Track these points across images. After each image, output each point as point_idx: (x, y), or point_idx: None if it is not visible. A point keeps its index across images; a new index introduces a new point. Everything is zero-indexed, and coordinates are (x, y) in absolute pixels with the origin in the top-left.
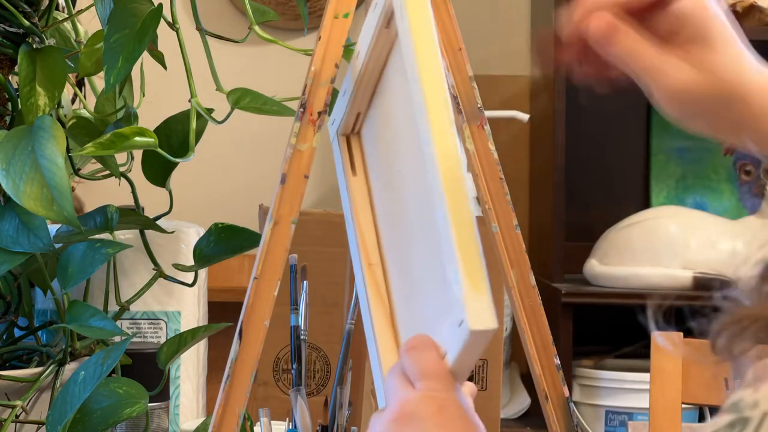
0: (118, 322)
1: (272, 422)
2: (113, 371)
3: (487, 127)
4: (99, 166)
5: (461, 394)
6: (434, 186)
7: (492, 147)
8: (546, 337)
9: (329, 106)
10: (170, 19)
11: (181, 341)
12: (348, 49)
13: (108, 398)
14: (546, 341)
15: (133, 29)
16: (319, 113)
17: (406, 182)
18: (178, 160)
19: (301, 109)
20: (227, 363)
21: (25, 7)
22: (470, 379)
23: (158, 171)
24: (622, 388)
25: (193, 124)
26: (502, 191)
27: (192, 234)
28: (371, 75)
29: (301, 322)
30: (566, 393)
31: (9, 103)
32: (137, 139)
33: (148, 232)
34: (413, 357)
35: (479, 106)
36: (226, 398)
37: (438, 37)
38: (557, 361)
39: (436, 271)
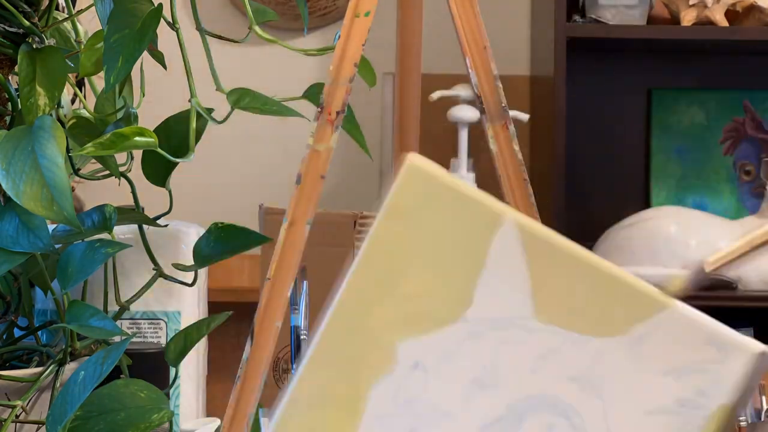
0: (118, 322)
1: None
2: (120, 373)
3: (512, 128)
4: (99, 166)
5: None
6: None
7: (516, 147)
8: None
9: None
10: (170, 19)
11: (187, 338)
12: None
13: (132, 401)
14: None
15: (133, 29)
16: (338, 113)
17: None
18: (178, 160)
19: (319, 109)
20: (240, 364)
21: (25, 7)
22: None
23: (158, 171)
24: None
25: (193, 124)
26: (526, 193)
27: (192, 234)
28: None
29: (301, 322)
30: None
31: (9, 103)
32: (137, 139)
33: (149, 233)
34: None
35: (503, 105)
36: (237, 399)
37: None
38: None
39: None
